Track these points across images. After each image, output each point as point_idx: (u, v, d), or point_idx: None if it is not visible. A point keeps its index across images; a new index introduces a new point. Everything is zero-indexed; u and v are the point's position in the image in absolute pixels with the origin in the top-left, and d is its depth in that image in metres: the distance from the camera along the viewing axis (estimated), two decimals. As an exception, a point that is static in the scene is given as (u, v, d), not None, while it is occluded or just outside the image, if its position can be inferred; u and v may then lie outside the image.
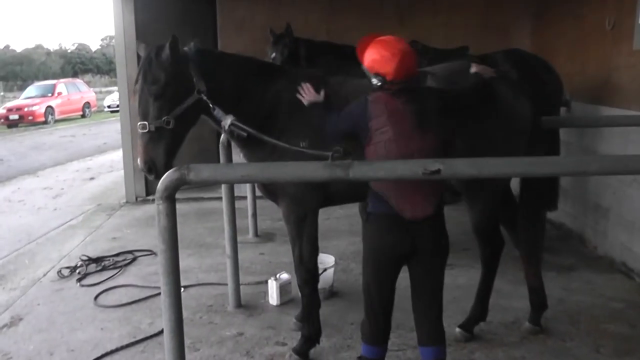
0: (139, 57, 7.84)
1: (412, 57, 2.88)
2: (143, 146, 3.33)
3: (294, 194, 3.60)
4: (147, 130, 3.30)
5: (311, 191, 3.58)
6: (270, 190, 3.72)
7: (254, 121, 3.48)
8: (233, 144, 4.02)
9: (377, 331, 3.06)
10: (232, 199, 4.62)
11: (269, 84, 3.65)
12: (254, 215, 6.48)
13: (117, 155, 14.11)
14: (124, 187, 8.69)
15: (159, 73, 3.32)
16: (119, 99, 8.64)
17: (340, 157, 2.56)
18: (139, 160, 3.36)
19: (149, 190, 8.52)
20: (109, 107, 30.87)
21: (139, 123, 3.33)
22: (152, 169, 3.35)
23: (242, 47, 7.11)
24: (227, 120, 3.39)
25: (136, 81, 3.39)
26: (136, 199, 8.56)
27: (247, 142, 3.54)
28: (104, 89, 41.81)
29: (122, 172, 8.98)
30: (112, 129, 20.89)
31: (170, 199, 2.52)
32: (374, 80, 2.87)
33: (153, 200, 8.81)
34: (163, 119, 3.30)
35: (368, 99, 2.88)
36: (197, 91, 3.38)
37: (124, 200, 8.61)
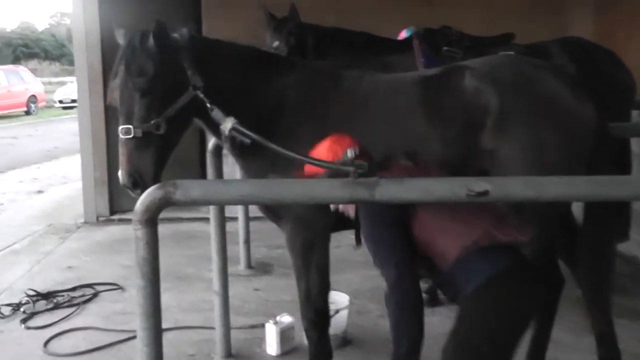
0: (103, 41, 7.89)
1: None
2: (127, 155, 3.37)
3: (301, 214, 3.64)
4: (131, 136, 3.34)
5: (322, 211, 3.58)
6: (272, 208, 3.76)
7: (253, 124, 3.53)
8: (225, 152, 4.08)
9: None
10: (223, 221, 4.66)
11: (274, 79, 3.71)
12: (247, 241, 6.51)
13: (72, 163, 14.14)
14: (82, 204, 8.72)
15: (146, 63, 3.37)
16: (78, 92, 8.67)
17: (364, 173, 2.57)
18: (120, 172, 3.40)
19: (114, 207, 8.57)
20: (60, 102, 31.07)
21: (121, 127, 3.36)
22: (138, 183, 3.40)
23: (232, 32, 7.04)
24: (228, 124, 3.41)
25: (114, 75, 3.44)
26: (97, 218, 8.60)
27: (245, 150, 3.58)
28: (54, 80, 41.90)
29: (78, 184, 9.03)
30: (65, 130, 21.00)
31: (151, 223, 2.54)
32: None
33: (118, 220, 8.83)
34: (152, 122, 3.34)
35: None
36: (192, 87, 3.43)
37: (82, 220, 8.64)
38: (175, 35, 3.53)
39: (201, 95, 3.43)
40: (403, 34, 6.15)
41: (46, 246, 7.67)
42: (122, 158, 3.40)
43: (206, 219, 7.70)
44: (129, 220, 8.34)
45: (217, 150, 4.59)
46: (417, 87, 3.72)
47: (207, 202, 2.68)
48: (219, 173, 4.62)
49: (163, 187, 2.52)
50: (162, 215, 8.08)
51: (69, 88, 32.41)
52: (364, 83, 3.79)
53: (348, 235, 6.75)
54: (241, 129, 3.38)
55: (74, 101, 31.05)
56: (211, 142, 4.57)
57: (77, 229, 8.37)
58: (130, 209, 8.63)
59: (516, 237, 2.88)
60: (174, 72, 3.43)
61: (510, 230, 2.89)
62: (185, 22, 8.10)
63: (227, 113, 3.47)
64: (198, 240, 7.26)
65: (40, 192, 11.43)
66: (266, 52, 3.96)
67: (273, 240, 6.93)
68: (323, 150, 3.13)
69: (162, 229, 8.02)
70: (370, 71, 3.97)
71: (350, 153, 2.89)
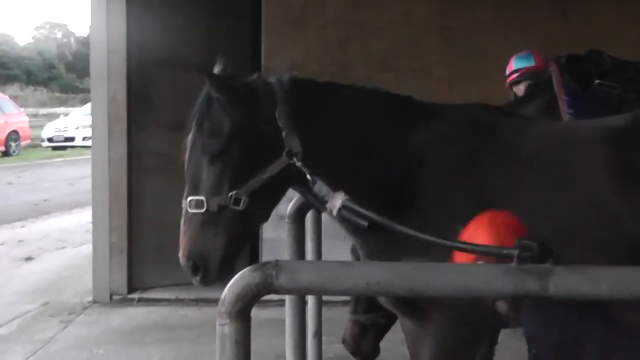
0: (130, 65, 8.02)
1: None
2: (191, 231, 3.41)
3: (455, 309, 3.52)
4: (203, 210, 3.38)
5: (480, 304, 3.48)
6: (409, 299, 3.63)
7: (374, 195, 3.52)
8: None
9: None
10: (303, 308, 4.69)
11: (406, 135, 3.65)
12: (318, 333, 6.43)
13: (71, 222, 14.40)
14: (91, 277, 8.78)
15: (220, 120, 3.41)
16: (93, 131, 8.82)
17: (533, 257, 2.54)
18: (180, 252, 3.44)
19: (134, 283, 8.66)
20: (49, 140, 31.51)
21: (191, 198, 3.41)
22: (198, 268, 3.42)
23: (302, 55, 7.26)
24: (336, 202, 3.37)
25: (188, 131, 3.51)
26: (111, 297, 8.65)
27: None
28: (41, 110, 42.63)
29: (82, 250, 9.06)
30: (58, 177, 21.36)
31: (243, 317, 2.51)
32: None
33: (139, 300, 8.84)
34: (231, 194, 3.37)
35: None
36: (286, 153, 3.42)
37: (89, 299, 8.69)
38: (272, 80, 3.55)
39: (299, 164, 3.42)
40: (512, 65, 6.12)
41: (44, 332, 7.69)
42: (182, 236, 3.44)
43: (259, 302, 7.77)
44: (152, 301, 8.54)
45: (299, 214, 4.58)
46: (601, 143, 3.58)
47: (321, 291, 2.65)
48: (299, 245, 4.61)
49: (261, 269, 2.48)
50: (200, 295, 8.09)
51: (62, 122, 33.04)
52: (528, 136, 3.66)
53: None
54: (355, 207, 3.33)
55: (67, 139, 32.03)
56: (292, 201, 4.55)
57: (84, 310, 8.41)
58: (154, 286, 8.82)
59: None
60: (263, 133, 3.45)
61: None
62: (237, 42, 8.37)
63: (337, 183, 3.44)
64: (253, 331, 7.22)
65: (29, 259, 11.53)
66: (395, 96, 3.86)
67: (348, 333, 6.87)
68: (481, 235, 3.05)
69: (201, 314, 8.14)
70: (535, 118, 3.89)
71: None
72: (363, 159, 3.60)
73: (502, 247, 2.67)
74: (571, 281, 2.46)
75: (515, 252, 2.53)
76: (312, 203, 3.70)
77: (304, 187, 3.54)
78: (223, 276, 3.36)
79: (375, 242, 3.63)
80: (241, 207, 3.36)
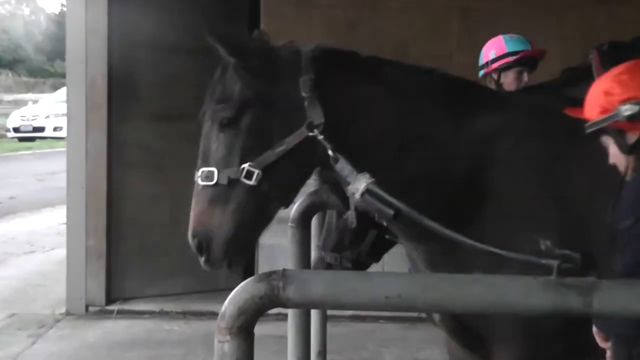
0: (112, 46, 8.02)
1: None
2: (199, 206, 3.44)
3: (531, 337, 3.49)
4: (213, 183, 3.40)
5: (555, 327, 3.44)
6: (470, 325, 3.61)
7: (434, 190, 3.52)
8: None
9: None
10: (307, 324, 4.71)
11: (466, 120, 3.62)
12: (323, 353, 6.44)
13: (41, 223, 14.44)
14: (64, 285, 8.74)
15: (232, 84, 3.44)
16: (68, 121, 8.83)
17: (574, 268, 2.53)
18: (189, 230, 3.46)
19: (113, 293, 8.63)
20: (15, 130, 31.51)
21: (201, 170, 3.43)
22: (203, 248, 3.43)
23: (306, 38, 7.05)
24: (360, 185, 3.33)
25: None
26: (87, 308, 8.61)
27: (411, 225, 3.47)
28: (6, 97, 42.65)
29: (54, 254, 8.98)
30: (26, 172, 21.33)
31: (246, 333, 2.51)
32: None
33: (119, 312, 8.80)
34: (243, 166, 3.37)
35: None
36: (307, 124, 3.41)
37: (62, 310, 8.66)
38: (302, 49, 3.54)
39: (320, 137, 3.39)
40: (504, 47, 5.98)
41: (10, 348, 7.68)
42: (191, 212, 3.46)
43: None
44: (134, 313, 8.52)
45: (304, 218, 4.57)
46: None
47: (335, 305, 2.61)
48: (304, 253, 4.60)
49: (266, 280, 2.48)
50: (186, 307, 8.07)
51: (30, 110, 33.08)
52: None
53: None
54: (380, 192, 3.30)
55: (36, 129, 32.05)
56: (297, 202, 4.53)
57: (56, 323, 8.37)
58: (136, 296, 8.78)
59: None
60: (281, 101, 3.46)
61: None
62: (232, 24, 8.36)
63: (369, 170, 3.38)
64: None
65: (-7, 263, 11.54)
66: (455, 79, 3.83)
67: (356, 353, 6.88)
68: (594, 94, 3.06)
69: (189, 329, 8.10)
70: None
71: (629, 110, 2.92)
72: (408, 147, 3.57)
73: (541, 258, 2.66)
74: (618, 297, 2.45)
75: (555, 263, 2.52)
76: (329, 204, 3.70)
77: (328, 168, 3.50)
78: (231, 259, 3.44)
79: (441, 250, 3.54)
80: (253, 182, 3.37)
